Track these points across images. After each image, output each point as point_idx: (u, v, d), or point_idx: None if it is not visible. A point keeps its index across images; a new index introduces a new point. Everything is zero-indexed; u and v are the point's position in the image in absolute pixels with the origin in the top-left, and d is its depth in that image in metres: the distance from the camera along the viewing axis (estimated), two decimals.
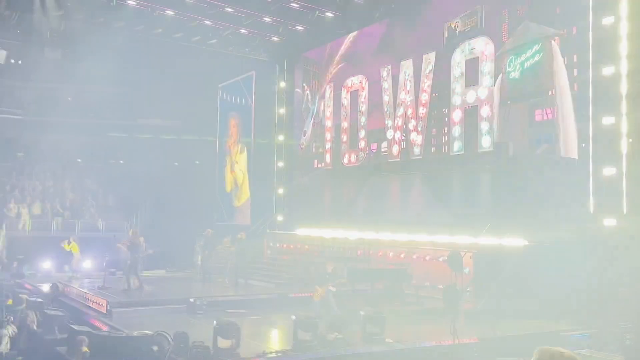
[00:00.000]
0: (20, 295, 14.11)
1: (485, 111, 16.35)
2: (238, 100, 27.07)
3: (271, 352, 9.72)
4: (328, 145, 22.60)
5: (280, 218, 24.34)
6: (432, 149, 18.08)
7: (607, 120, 13.33)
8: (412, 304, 14.65)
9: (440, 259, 15.23)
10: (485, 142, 16.31)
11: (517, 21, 15.64)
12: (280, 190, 24.82)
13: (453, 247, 14.05)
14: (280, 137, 25.08)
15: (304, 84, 24.13)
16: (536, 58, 14.97)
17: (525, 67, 15.23)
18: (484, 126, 16.35)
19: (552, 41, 14.62)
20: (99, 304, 14.15)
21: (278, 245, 22.14)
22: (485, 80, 16.37)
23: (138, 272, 16.55)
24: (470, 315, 13.08)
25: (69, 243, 20.24)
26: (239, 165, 26.84)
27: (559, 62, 14.43)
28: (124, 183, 29.23)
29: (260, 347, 10.14)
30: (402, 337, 11.21)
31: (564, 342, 10.13)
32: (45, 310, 12.30)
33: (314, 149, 23.37)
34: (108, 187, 29.82)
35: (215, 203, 28.08)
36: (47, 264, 20.70)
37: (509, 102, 15.64)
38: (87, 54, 30.00)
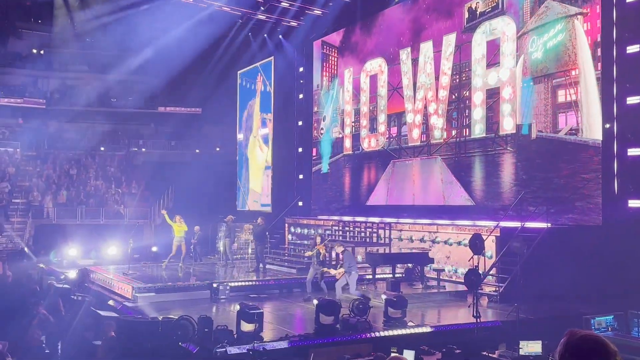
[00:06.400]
0: (48, 282, 14.42)
1: (507, 93, 16.13)
2: (257, 87, 27.12)
3: (294, 336, 9.80)
4: (348, 130, 22.53)
5: (301, 204, 24.46)
6: (453, 132, 17.96)
7: (632, 100, 13.06)
8: (434, 287, 14.68)
9: (462, 243, 15.23)
10: (507, 124, 16.11)
11: (538, 0, 15.35)
12: (301, 176, 24.86)
13: (475, 230, 14.01)
14: (300, 123, 25.13)
15: (323, 69, 24.05)
16: (559, 38, 14.69)
17: (547, 47, 14.96)
18: (506, 108, 16.14)
19: (575, 20, 14.32)
20: (124, 290, 14.45)
21: (299, 230, 22.29)
22: (507, 61, 16.13)
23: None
24: (492, 299, 13.08)
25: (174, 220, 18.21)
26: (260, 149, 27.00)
27: (582, 42, 14.14)
28: (146, 171, 29.62)
29: (283, 331, 10.21)
30: (424, 321, 11.26)
31: (588, 325, 10.05)
32: (72, 297, 12.56)
33: (333, 134, 23.40)
34: (131, 175, 30.20)
35: (236, 189, 28.30)
36: (73, 251, 21.09)
37: (531, 83, 15.41)
38: (109, 44, 30.35)
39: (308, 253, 14.66)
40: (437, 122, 18.39)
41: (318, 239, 14.50)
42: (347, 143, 22.54)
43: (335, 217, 21.81)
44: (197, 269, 17.74)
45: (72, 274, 16.71)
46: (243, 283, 15.24)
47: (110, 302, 13.79)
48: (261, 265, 17.34)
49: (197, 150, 31.99)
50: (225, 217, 19.42)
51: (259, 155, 26.90)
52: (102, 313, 10.35)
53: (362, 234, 18.81)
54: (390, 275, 15.18)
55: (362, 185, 21.81)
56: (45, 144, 30.90)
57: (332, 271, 13.46)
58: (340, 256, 14.03)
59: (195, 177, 26.97)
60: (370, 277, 15.10)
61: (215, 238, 22.02)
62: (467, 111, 17.51)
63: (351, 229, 19.72)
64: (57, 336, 9.27)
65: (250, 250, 18.52)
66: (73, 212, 26.37)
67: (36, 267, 16.68)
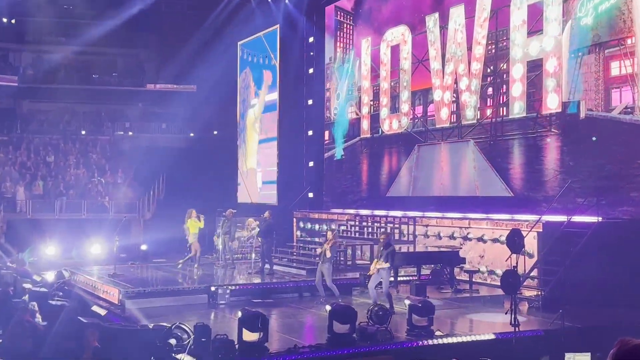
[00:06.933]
0: (23, 285, 14.58)
1: (551, 65, 15.96)
2: (261, 60, 27.08)
3: (303, 347, 9.84)
4: (366, 110, 22.48)
5: (311, 195, 24.50)
6: (488, 111, 17.86)
7: None
8: (466, 291, 14.69)
9: (499, 239, 15.18)
10: (552, 101, 15.97)
11: None
12: (311, 163, 24.87)
13: (513, 225, 13.96)
14: (310, 102, 25.07)
15: (337, 39, 23.96)
16: (612, 0, 14.51)
17: (599, 11, 14.77)
18: (550, 83, 16.00)
19: None
20: (110, 294, 14.55)
21: (309, 226, 22.32)
22: (552, 29, 15.95)
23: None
24: (533, 305, 13.04)
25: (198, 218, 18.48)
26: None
27: (639, 5, 13.97)
28: (133, 157, 29.74)
29: (291, 341, 10.21)
30: (454, 330, 11.27)
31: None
32: (50, 301, 12.69)
33: (349, 115, 23.37)
34: (116, 162, 30.38)
35: (237, 179, 28.38)
36: (51, 250, 21.29)
37: (579, 54, 15.25)
38: (89, 10, 30.41)
39: (318, 250, 14.72)
40: (470, 100, 18.29)
41: (329, 235, 14.59)
42: (365, 125, 22.50)
43: (351, 211, 21.82)
44: (193, 270, 17.91)
45: (50, 276, 16.88)
46: (246, 286, 15.36)
47: (94, 308, 13.93)
48: (267, 265, 17.41)
49: (192, 134, 32.06)
50: (225, 210, 19.49)
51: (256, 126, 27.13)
52: (85, 320, 10.44)
53: (383, 230, 18.78)
54: (415, 278, 15.29)
55: (382, 173, 21.79)
56: (18, 127, 31.10)
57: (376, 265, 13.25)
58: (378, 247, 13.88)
59: (189, 165, 27.06)
60: (392, 279, 15.12)
61: (213, 235, 22.13)
62: (504, 87, 17.36)
63: (369, 224, 19.74)
64: (33, 347, 9.37)
65: (254, 249, 18.58)
66: (50, 205, 26.52)
67: (8, 267, 16.83)
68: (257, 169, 26.95)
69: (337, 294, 13.85)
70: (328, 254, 13.90)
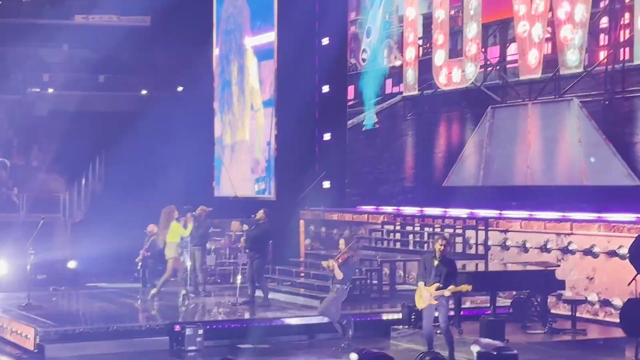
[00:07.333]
0: None
1: None
2: None
3: None
4: (411, 54, 22.39)
5: (327, 185, 24.52)
6: (602, 54, 17.72)
7: None
8: (567, 332, 14.62)
9: (617, 253, 15.12)
10: None
11: None
12: (327, 136, 24.89)
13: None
14: (325, 41, 24.95)
15: None
16: None
17: None
18: None
19: None
20: (21, 336, 14.49)
21: (323, 230, 22.26)
22: None
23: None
24: None
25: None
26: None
27: None
28: (55, 127, 29.73)
29: None
30: None
31: None
32: None
33: (385, 61, 23.26)
34: (29, 134, 30.39)
35: (213, 161, 28.36)
36: None
37: None
38: None
39: (324, 264, 14.76)
40: (573, 37, 18.19)
41: (342, 244, 14.52)
42: (410, 76, 22.38)
43: (389, 209, 21.80)
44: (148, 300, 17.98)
45: None
46: (226, 324, 15.33)
47: None
48: (260, 291, 17.39)
49: (144, 92, 32.03)
50: (194, 209, 19.46)
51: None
52: None
53: (439, 236, 18.69)
54: (488, 311, 15.21)
55: (436, 151, 21.73)
56: None
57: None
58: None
59: (140, 139, 26.98)
60: (452, 311, 15.07)
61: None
62: (626, 16, 17.26)
63: (417, 228, 19.70)
64: None
65: (239, 267, 18.60)
66: None
67: None
68: (249, 146, 26.83)
69: (347, 334, 13.97)
70: (338, 275, 13.88)
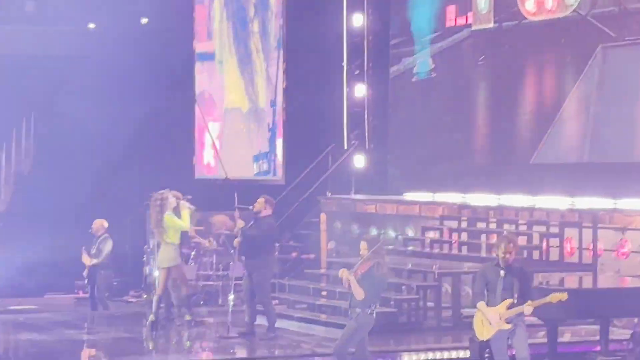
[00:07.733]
0: None
1: None
2: None
3: None
4: None
5: (360, 163, 25.19)
6: None
7: None
8: None
9: None
10: None
11: None
12: (361, 92, 25.55)
13: None
14: None
15: None
16: None
17: None
18: None
19: None
20: None
21: (354, 227, 23.03)
22: None
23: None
24: None
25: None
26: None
27: None
28: None
29: None
30: None
31: None
32: None
33: None
34: None
35: (193, 126, 29.05)
36: None
37: None
38: None
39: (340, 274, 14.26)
40: None
41: (363, 246, 14.19)
42: (483, 1, 23.02)
43: (451, 197, 22.47)
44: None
45: None
46: None
47: None
48: (262, 317, 18.05)
49: (92, 25, 32.75)
50: (159, 192, 19.99)
51: None
52: None
53: (505, 234, 18.94)
54: (598, 346, 15.74)
55: (520, 112, 22.23)
56: None
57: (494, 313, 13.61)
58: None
59: (88, 96, 27.73)
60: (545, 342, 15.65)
61: (141, 249, 22.93)
62: None
63: (493, 225, 20.18)
64: None
65: (232, 281, 19.22)
66: None
67: None
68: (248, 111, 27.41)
69: None
70: (358, 294, 13.55)
